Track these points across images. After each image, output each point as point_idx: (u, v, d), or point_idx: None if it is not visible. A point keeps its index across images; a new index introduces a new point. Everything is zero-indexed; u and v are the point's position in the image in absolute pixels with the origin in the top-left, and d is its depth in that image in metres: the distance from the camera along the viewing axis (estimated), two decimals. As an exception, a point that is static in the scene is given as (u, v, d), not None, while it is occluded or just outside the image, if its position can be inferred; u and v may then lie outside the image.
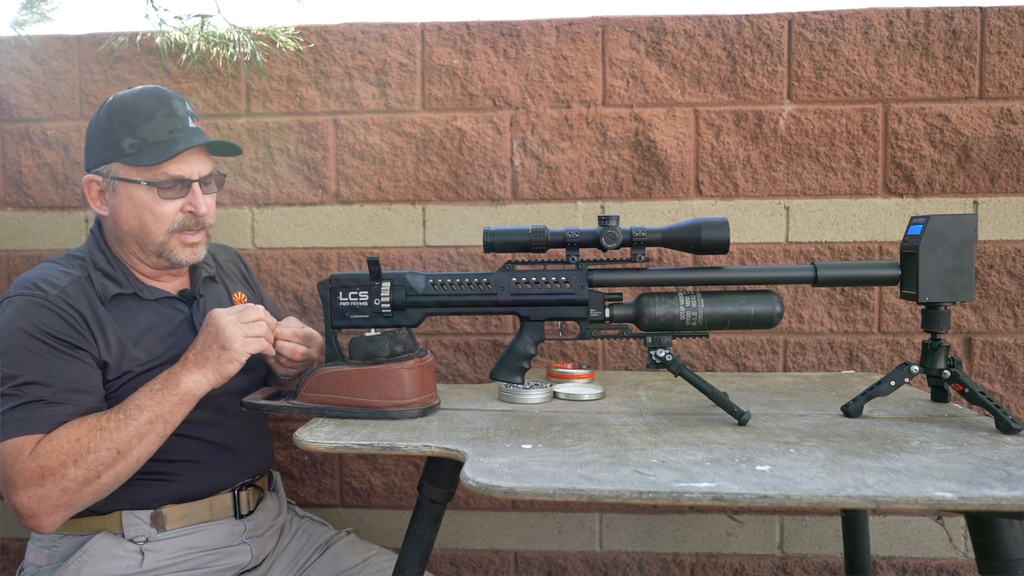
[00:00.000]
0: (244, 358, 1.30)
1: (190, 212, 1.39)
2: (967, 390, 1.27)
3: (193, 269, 1.50)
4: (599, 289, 1.37)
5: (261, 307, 1.35)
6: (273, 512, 1.54)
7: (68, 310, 1.30)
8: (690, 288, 1.37)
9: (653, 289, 1.38)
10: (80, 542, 1.35)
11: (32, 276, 1.34)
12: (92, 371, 1.31)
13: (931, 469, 1.01)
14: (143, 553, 1.35)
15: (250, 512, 1.47)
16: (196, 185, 1.39)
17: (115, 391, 1.33)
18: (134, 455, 1.25)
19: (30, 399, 1.23)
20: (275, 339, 1.37)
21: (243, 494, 1.46)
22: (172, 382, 1.28)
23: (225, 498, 1.44)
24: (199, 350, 1.29)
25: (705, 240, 1.29)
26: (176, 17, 1.92)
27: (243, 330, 1.29)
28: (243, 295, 1.58)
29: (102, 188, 1.39)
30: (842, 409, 1.34)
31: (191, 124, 1.39)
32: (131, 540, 1.35)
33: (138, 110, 1.36)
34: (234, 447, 1.45)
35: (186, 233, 1.40)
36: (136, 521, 1.35)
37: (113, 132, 1.35)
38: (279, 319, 1.43)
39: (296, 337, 1.40)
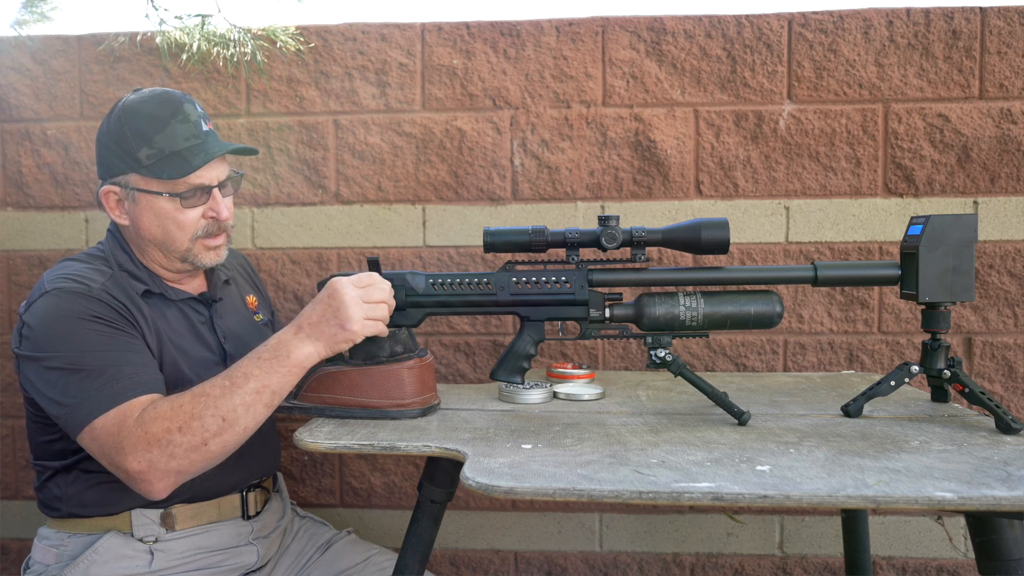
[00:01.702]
0: (360, 339, 1.27)
1: (212, 218, 1.38)
2: (967, 390, 1.27)
3: (210, 272, 1.50)
4: (599, 289, 1.37)
5: (387, 285, 1.31)
6: (278, 513, 1.55)
7: (112, 301, 1.29)
8: (690, 288, 1.37)
9: (653, 289, 1.38)
10: (89, 541, 1.34)
11: (63, 272, 1.32)
12: (149, 353, 1.30)
13: (931, 469, 1.01)
14: (152, 553, 1.35)
15: (257, 513, 1.47)
16: (216, 191, 1.38)
17: None
18: (241, 424, 1.21)
19: (112, 372, 1.22)
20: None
21: (251, 495, 1.46)
22: (283, 351, 1.24)
23: (233, 499, 1.44)
24: (315, 320, 1.26)
25: (705, 240, 1.29)
26: (176, 17, 1.92)
27: (365, 311, 1.26)
28: (254, 298, 1.59)
29: (120, 198, 1.37)
30: (842, 409, 1.34)
31: (204, 127, 1.38)
32: (140, 540, 1.35)
33: (151, 118, 1.34)
34: (245, 449, 1.45)
35: (209, 238, 1.39)
36: (146, 521, 1.35)
37: (127, 142, 1.33)
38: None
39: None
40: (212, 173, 1.37)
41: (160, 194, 1.34)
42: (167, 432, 1.18)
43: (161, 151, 1.33)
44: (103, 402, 1.20)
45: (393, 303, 1.33)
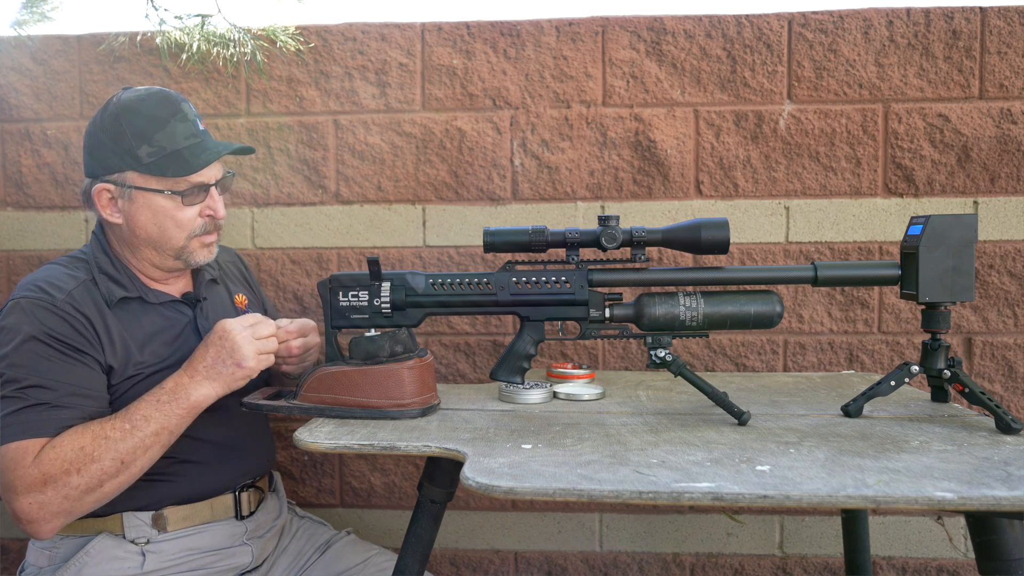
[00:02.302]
0: (255, 374, 1.31)
1: (209, 216, 1.40)
2: (967, 390, 1.27)
3: (196, 271, 1.50)
4: (599, 289, 1.37)
5: (271, 322, 1.35)
6: (274, 513, 1.54)
7: (75, 315, 1.29)
8: (690, 288, 1.37)
9: (653, 289, 1.38)
10: (81, 543, 1.34)
11: (37, 279, 1.33)
12: (97, 376, 1.30)
13: (931, 469, 1.01)
14: (144, 554, 1.35)
15: (251, 513, 1.47)
16: (214, 189, 1.40)
17: (120, 395, 1.32)
18: (137, 465, 1.25)
19: (34, 402, 1.23)
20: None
21: (244, 495, 1.46)
22: (181, 394, 1.27)
23: (226, 499, 1.44)
24: (210, 363, 1.28)
25: (705, 240, 1.29)
26: (176, 17, 1.92)
27: (257, 346, 1.29)
28: (244, 297, 1.58)
29: (114, 196, 1.37)
30: (842, 409, 1.34)
31: (200, 127, 1.40)
32: (132, 541, 1.35)
33: (150, 116, 1.34)
34: (236, 448, 1.45)
35: (204, 235, 1.41)
36: (137, 522, 1.35)
37: (125, 140, 1.33)
38: (276, 319, 1.43)
39: (291, 335, 1.40)
40: (211, 172, 1.39)
41: (160, 192, 1.35)
42: (65, 473, 1.20)
43: (162, 149, 1.34)
44: (12, 431, 1.21)
45: (282, 335, 1.37)
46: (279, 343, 1.36)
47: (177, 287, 1.47)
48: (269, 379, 1.55)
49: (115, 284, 1.38)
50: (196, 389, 1.27)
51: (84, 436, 1.22)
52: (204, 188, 1.38)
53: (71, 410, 1.25)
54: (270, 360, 1.32)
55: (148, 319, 1.40)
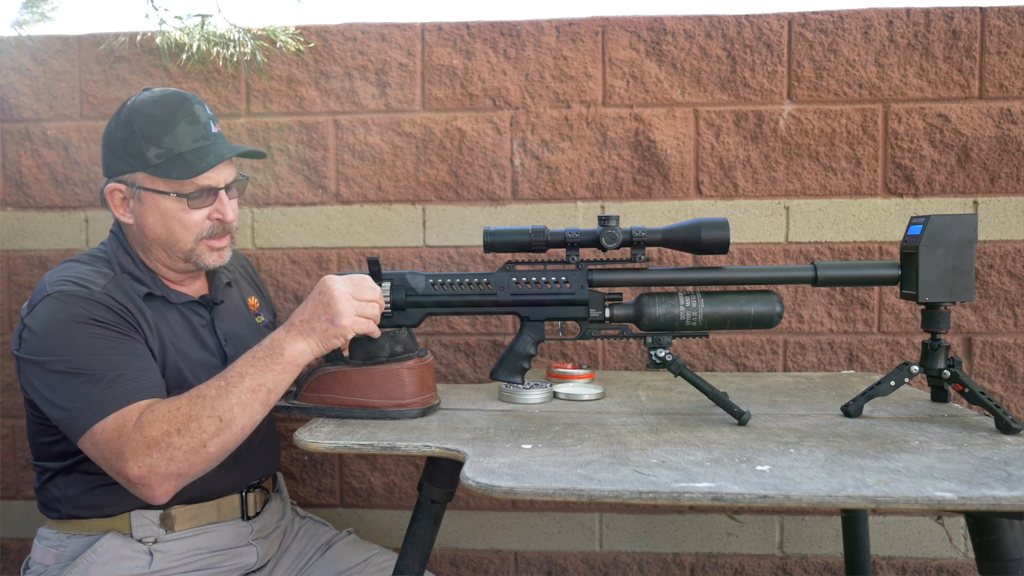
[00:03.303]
0: (351, 335, 1.28)
1: (218, 219, 1.38)
2: (967, 390, 1.27)
3: (212, 274, 1.50)
4: (599, 289, 1.37)
5: (376, 286, 1.32)
6: (278, 514, 1.55)
7: (115, 305, 1.29)
8: (690, 288, 1.37)
9: (653, 289, 1.38)
10: (89, 542, 1.34)
11: (65, 275, 1.32)
12: (150, 355, 1.30)
13: (931, 469, 1.01)
14: (152, 554, 1.35)
15: (257, 514, 1.47)
16: (223, 193, 1.38)
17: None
18: (238, 424, 1.22)
19: (113, 375, 1.22)
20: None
21: (250, 496, 1.46)
22: (276, 349, 1.25)
23: (233, 499, 1.44)
24: (307, 317, 1.27)
25: (705, 240, 1.29)
26: (176, 17, 1.92)
27: (356, 307, 1.27)
28: (256, 300, 1.58)
29: (125, 196, 1.37)
30: (842, 409, 1.34)
31: (213, 129, 1.38)
32: (140, 540, 1.35)
33: (160, 118, 1.34)
34: (244, 449, 1.45)
35: (213, 239, 1.39)
36: (145, 521, 1.35)
37: (135, 141, 1.33)
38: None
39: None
40: (220, 175, 1.38)
41: (167, 194, 1.34)
42: (166, 435, 1.18)
43: (170, 151, 1.33)
44: (103, 407, 1.20)
45: (383, 305, 1.34)
46: (379, 309, 1.31)
47: (193, 288, 1.47)
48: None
49: (138, 283, 1.38)
50: (291, 344, 1.25)
51: (181, 398, 1.22)
52: (212, 191, 1.37)
53: (148, 379, 1.25)
54: (368, 326, 1.29)
55: (172, 316, 1.40)
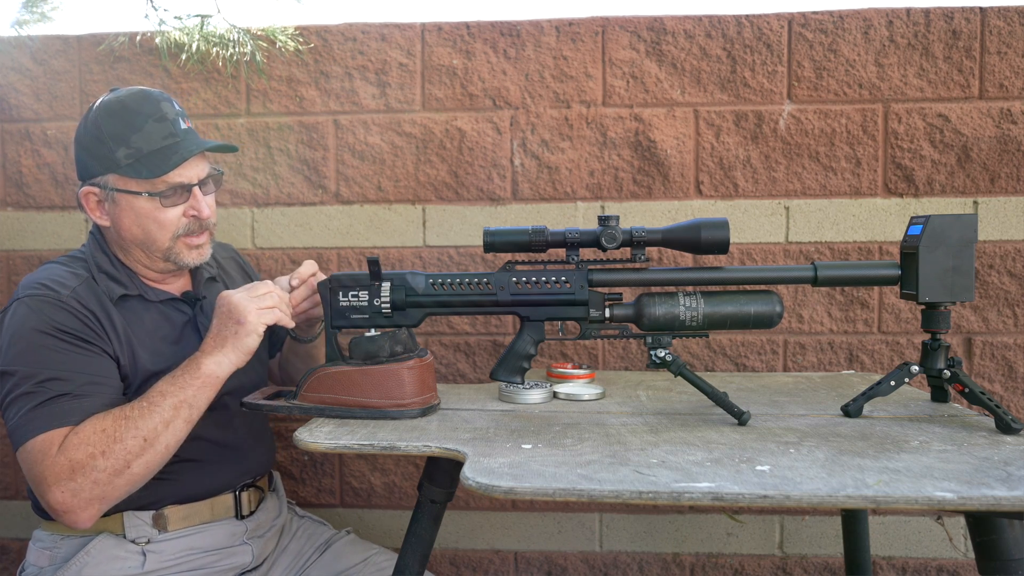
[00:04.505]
0: (261, 329, 1.29)
1: (193, 216, 1.38)
2: (967, 390, 1.27)
3: (195, 270, 1.50)
4: (599, 289, 1.37)
5: (268, 281, 1.34)
6: (274, 512, 1.54)
7: (81, 309, 1.29)
8: (690, 288, 1.37)
9: (653, 289, 1.38)
10: (82, 543, 1.34)
11: (38, 278, 1.33)
12: (110, 364, 1.30)
13: (931, 469, 1.01)
14: (145, 554, 1.35)
15: (251, 513, 1.47)
16: (196, 189, 1.38)
17: (127, 391, 1.32)
18: (162, 443, 1.23)
19: (53, 394, 1.22)
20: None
21: (244, 495, 1.46)
22: (192, 366, 1.27)
23: (226, 499, 1.44)
24: (215, 332, 1.29)
25: (705, 240, 1.29)
26: (176, 17, 1.92)
27: (255, 303, 1.29)
28: None
29: (100, 199, 1.37)
30: (842, 409, 1.34)
31: (182, 125, 1.38)
32: (133, 541, 1.35)
33: (127, 118, 1.33)
34: (236, 447, 1.45)
35: (191, 236, 1.39)
36: (138, 522, 1.35)
37: (104, 143, 1.33)
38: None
39: (295, 287, 1.40)
40: (191, 171, 1.37)
41: (139, 194, 1.34)
42: (90, 457, 1.19)
43: (139, 151, 1.33)
44: (36, 425, 1.21)
45: (286, 297, 1.35)
46: (279, 298, 1.33)
47: (176, 286, 1.47)
48: (275, 341, 1.56)
49: (114, 282, 1.37)
50: (206, 359, 1.27)
51: (105, 420, 1.22)
52: (185, 188, 1.36)
53: (91, 398, 1.25)
54: (273, 315, 1.30)
55: (149, 317, 1.40)
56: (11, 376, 1.24)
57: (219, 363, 1.27)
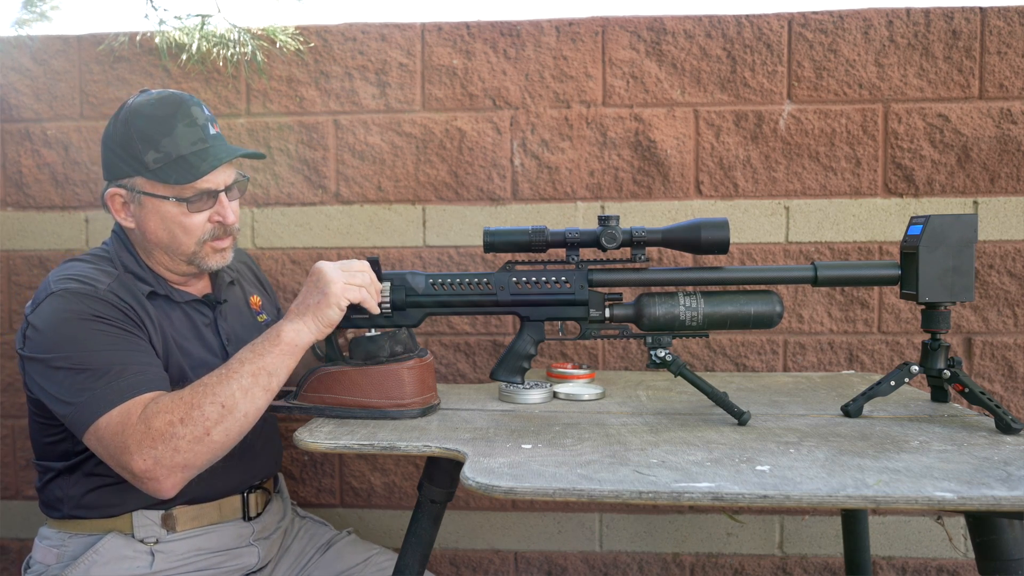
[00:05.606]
0: (344, 303, 1.29)
1: (218, 222, 1.38)
2: (967, 390, 1.27)
3: (215, 273, 1.50)
4: (599, 289, 1.37)
5: (365, 262, 1.34)
6: (279, 514, 1.55)
7: (119, 302, 1.29)
8: (690, 288, 1.37)
9: (653, 289, 1.38)
10: (90, 542, 1.34)
11: (68, 273, 1.32)
12: (153, 350, 1.31)
13: (931, 469, 1.01)
14: (153, 554, 1.35)
15: (258, 514, 1.47)
16: (223, 195, 1.38)
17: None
18: (240, 410, 1.22)
19: (118, 369, 1.22)
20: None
21: (252, 496, 1.46)
22: (272, 333, 1.27)
23: (234, 500, 1.44)
24: (300, 299, 1.29)
25: (705, 240, 1.29)
26: (176, 17, 1.92)
27: (344, 277, 1.29)
28: (259, 298, 1.59)
29: (126, 201, 1.37)
30: (842, 409, 1.34)
31: (211, 131, 1.37)
32: (141, 541, 1.35)
33: (158, 121, 1.33)
34: (246, 450, 1.45)
35: (215, 240, 1.39)
36: (147, 522, 1.35)
37: (133, 145, 1.33)
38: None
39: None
40: (219, 177, 1.37)
41: (166, 198, 1.34)
42: (170, 425, 1.18)
43: (168, 155, 1.32)
44: (108, 400, 1.20)
45: (379, 287, 1.35)
46: (370, 279, 1.33)
47: (197, 288, 1.47)
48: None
49: (141, 282, 1.38)
50: (286, 326, 1.27)
51: (184, 389, 1.22)
52: (212, 194, 1.36)
53: (151, 370, 1.25)
54: (358, 294, 1.30)
55: (176, 315, 1.40)
56: (62, 363, 1.23)
57: (298, 331, 1.27)
